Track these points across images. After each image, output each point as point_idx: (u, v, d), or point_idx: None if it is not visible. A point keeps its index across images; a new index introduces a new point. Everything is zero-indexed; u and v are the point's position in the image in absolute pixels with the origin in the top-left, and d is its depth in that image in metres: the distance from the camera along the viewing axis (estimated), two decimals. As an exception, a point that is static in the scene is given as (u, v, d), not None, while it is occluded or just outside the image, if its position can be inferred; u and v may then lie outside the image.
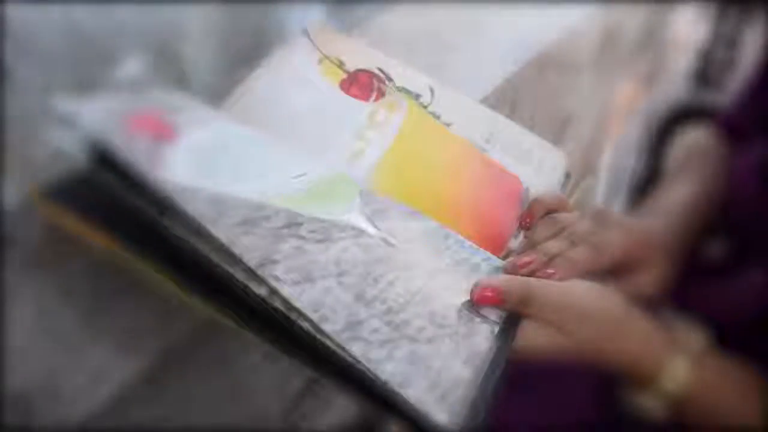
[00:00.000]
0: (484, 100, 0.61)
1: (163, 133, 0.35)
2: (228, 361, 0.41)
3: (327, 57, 0.48)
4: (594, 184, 1.18)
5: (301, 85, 0.46)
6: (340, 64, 0.48)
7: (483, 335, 0.36)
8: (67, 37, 0.40)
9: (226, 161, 0.36)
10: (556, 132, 0.91)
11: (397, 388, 0.31)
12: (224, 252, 0.31)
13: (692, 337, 0.43)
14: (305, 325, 0.32)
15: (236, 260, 0.31)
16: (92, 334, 0.33)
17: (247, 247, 0.32)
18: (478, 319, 0.37)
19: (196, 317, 0.35)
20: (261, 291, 0.32)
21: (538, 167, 0.48)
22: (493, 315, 0.37)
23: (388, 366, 0.32)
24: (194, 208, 0.32)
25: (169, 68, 0.47)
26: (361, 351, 0.32)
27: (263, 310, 0.32)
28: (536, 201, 0.45)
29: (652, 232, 0.50)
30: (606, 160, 1.28)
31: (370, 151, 0.44)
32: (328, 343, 0.31)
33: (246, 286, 0.32)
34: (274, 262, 0.32)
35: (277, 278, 0.32)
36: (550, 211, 0.45)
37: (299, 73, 0.46)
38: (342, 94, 0.46)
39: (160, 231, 0.32)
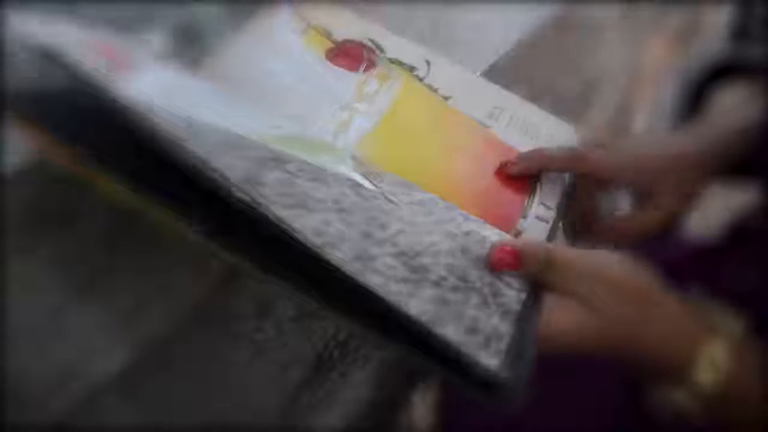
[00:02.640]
0: (492, 69, 0.56)
1: (122, 64, 0.31)
2: (215, 357, 0.38)
3: (312, 26, 0.44)
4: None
5: (280, 53, 0.42)
6: (327, 34, 0.44)
7: (510, 298, 0.33)
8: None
9: (190, 101, 0.33)
10: (579, 99, 0.85)
11: (431, 327, 0.28)
12: (203, 167, 0.27)
13: (729, 321, 0.38)
14: (306, 243, 0.27)
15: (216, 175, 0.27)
16: (61, 330, 0.30)
17: (228, 166, 0.28)
18: (501, 284, 0.33)
19: (176, 310, 0.32)
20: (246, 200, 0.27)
21: (546, 142, 0.44)
22: (516, 282, 0.34)
23: (414, 302, 0.28)
24: (170, 127, 0.28)
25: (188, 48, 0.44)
26: (377, 281, 0.28)
27: (251, 222, 0.28)
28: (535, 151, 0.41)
29: (671, 145, 0.46)
30: (639, 125, 1.22)
31: (358, 122, 0.40)
32: (338, 266, 0.28)
33: (230, 191, 0.27)
34: (261, 183, 0.29)
35: (266, 197, 0.28)
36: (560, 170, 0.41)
37: (279, 41, 0.42)
38: (327, 63, 0.42)
39: (133, 141, 0.28)
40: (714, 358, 0.36)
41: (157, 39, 0.37)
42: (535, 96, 0.52)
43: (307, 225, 0.28)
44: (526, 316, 0.32)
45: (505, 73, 0.60)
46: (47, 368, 0.29)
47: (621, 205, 0.51)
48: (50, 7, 0.35)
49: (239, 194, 0.27)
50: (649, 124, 1.20)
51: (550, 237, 0.39)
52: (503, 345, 0.29)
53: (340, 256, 0.28)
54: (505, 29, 0.63)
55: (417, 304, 0.28)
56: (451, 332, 0.28)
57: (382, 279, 0.28)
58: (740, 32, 1.47)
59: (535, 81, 0.69)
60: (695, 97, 1.02)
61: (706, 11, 1.47)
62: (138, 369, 0.32)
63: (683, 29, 1.35)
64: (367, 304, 0.28)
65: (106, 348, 0.31)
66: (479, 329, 0.29)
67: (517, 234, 0.39)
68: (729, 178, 0.48)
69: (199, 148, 0.27)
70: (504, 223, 0.39)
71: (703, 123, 0.52)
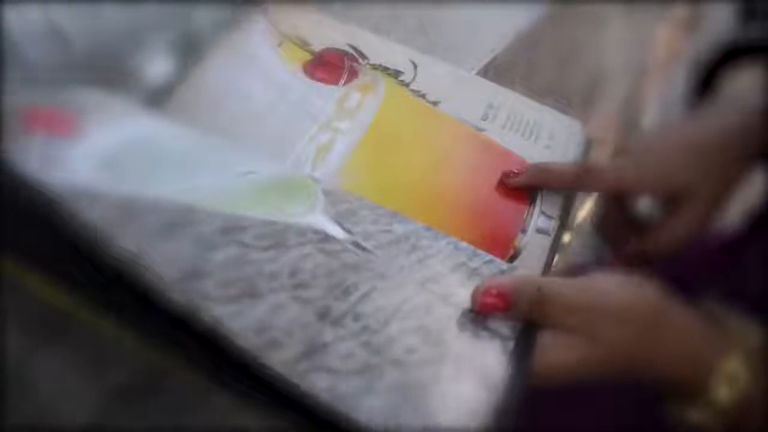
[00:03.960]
0: (488, 67, 0.53)
1: (63, 132, 0.29)
2: (192, 405, 0.35)
3: (288, 37, 0.41)
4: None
5: (256, 72, 0.39)
6: (304, 44, 0.41)
7: (494, 354, 0.29)
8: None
9: (147, 161, 0.30)
10: (584, 93, 0.82)
11: (379, 429, 0.24)
12: (132, 263, 0.24)
13: (747, 330, 0.35)
14: (243, 349, 0.24)
15: (147, 272, 0.24)
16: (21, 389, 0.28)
17: (164, 258, 0.25)
18: (485, 334, 0.30)
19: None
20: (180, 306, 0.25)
21: (549, 142, 0.41)
22: (504, 327, 0.30)
23: (368, 400, 0.25)
24: (96, 215, 0.25)
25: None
26: (327, 384, 0.24)
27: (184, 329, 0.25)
28: (541, 169, 0.38)
29: (692, 135, 0.42)
30: (650, 117, 1.18)
31: (340, 145, 0.37)
32: (277, 375, 0.24)
33: (161, 294, 0.24)
34: (202, 275, 0.25)
35: (205, 295, 0.25)
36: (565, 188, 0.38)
37: (255, 58, 0.40)
38: (306, 79, 0.39)
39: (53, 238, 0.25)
40: (731, 373, 0.33)
41: (153, 61, 0.36)
42: (538, 93, 0.49)
43: (250, 319, 0.25)
44: (510, 381, 0.28)
45: (503, 71, 0.57)
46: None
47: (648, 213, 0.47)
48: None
49: (172, 296, 0.24)
50: (659, 115, 1.16)
51: (552, 251, 0.36)
52: (473, 427, 0.26)
53: (283, 356, 0.24)
54: (499, 26, 0.60)
55: (370, 403, 0.24)
56: (408, 424, 0.24)
57: (331, 378, 0.25)
58: (747, 13, 1.43)
59: (536, 78, 0.66)
60: (706, 82, 0.98)
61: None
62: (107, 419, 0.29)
63: (688, 17, 1.31)
64: (306, 417, 0.24)
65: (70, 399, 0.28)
66: (444, 415, 0.26)
67: (516, 253, 0.35)
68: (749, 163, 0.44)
69: (136, 236, 0.25)
70: (502, 240, 0.35)
71: (718, 105, 0.48)
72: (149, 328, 0.24)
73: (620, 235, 0.43)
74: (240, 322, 0.24)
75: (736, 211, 0.52)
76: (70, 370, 0.28)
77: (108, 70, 0.37)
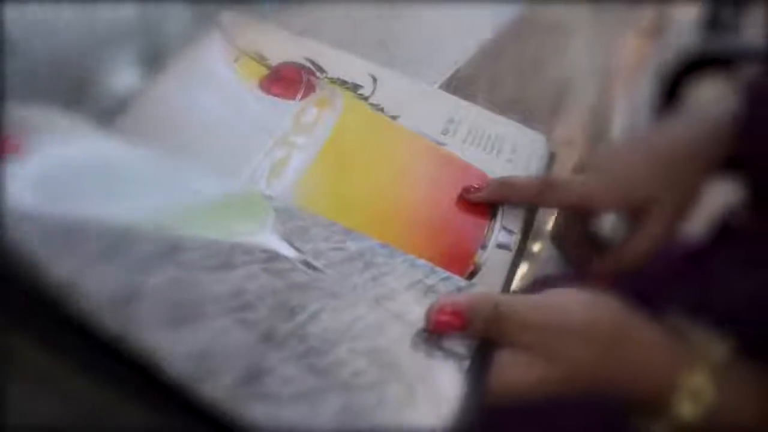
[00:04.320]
0: (451, 80, 0.53)
1: (12, 148, 0.27)
2: None
3: (245, 52, 0.40)
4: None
5: (211, 88, 0.38)
6: (261, 59, 0.40)
7: (448, 374, 0.28)
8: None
9: (91, 181, 0.29)
10: (550, 102, 0.82)
11: None
12: (64, 287, 0.23)
13: (712, 344, 0.34)
14: (175, 377, 0.23)
15: (78, 297, 0.23)
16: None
17: (99, 282, 0.24)
18: (439, 354, 0.29)
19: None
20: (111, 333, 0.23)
21: (511, 155, 0.40)
22: (459, 346, 0.29)
23: (312, 428, 0.24)
24: (33, 237, 0.24)
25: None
26: (266, 412, 0.23)
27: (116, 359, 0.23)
28: (502, 184, 0.37)
29: (657, 144, 0.42)
30: (618, 123, 1.19)
31: (296, 160, 0.36)
32: (211, 405, 0.23)
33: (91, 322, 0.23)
34: (136, 299, 0.24)
35: (140, 321, 0.24)
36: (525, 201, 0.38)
37: (210, 74, 0.39)
38: (262, 94, 0.38)
39: None
40: (696, 388, 0.32)
41: (118, 73, 0.35)
42: (502, 105, 0.48)
43: (188, 345, 0.24)
44: (464, 403, 0.27)
45: (465, 84, 0.57)
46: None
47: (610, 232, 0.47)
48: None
49: (101, 324, 0.23)
50: (626, 122, 1.17)
51: (513, 267, 0.36)
52: None
53: (219, 384, 0.23)
54: (461, 39, 0.60)
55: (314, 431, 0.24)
56: None
57: (270, 405, 0.23)
58: (711, 22, 1.45)
59: (499, 90, 0.65)
60: (671, 91, 0.99)
61: (675, 5, 1.45)
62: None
63: (653, 25, 1.33)
64: None
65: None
66: None
67: (476, 269, 0.35)
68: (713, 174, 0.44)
69: (71, 259, 0.24)
70: (461, 257, 0.35)
71: (682, 115, 0.48)
72: (80, 356, 0.23)
73: (580, 253, 0.43)
74: (177, 348, 0.23)
75: (699, 220, 0.52)
76: None
77: (70, 82, 0.36)
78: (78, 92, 0.36)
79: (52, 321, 0.23)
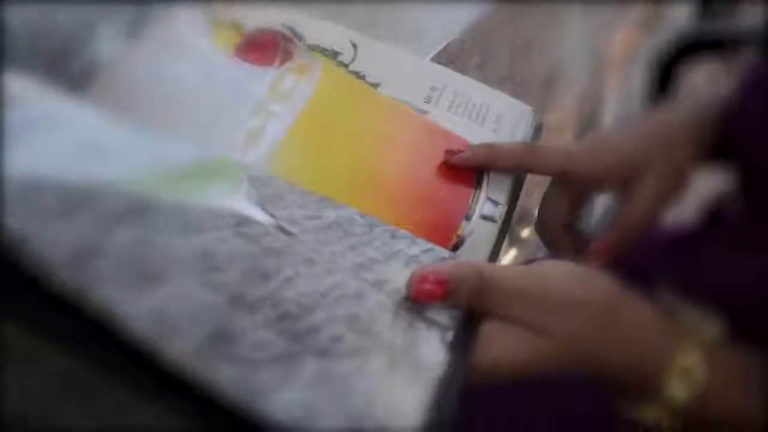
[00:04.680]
0: (439, 56, 0.51)
1: None
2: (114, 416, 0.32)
3: (220, 20, 0.38)
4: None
5: (184, 56, 0.36)
6: (237, 26, 0.38)
7: (431, 345, 0.27)
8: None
9: (55, 142, 0.27)
10: (540, 87, 0.81)
11: (296, 425, 0.21)
12: (18, 242, 0.22)
13: (704, 324, 0.33)
14: (136, 335, 0.21)
15: (34, 252, 0.21)
16: None
17: (57, 237, 0.22)
18: (422, 324, 0.27)
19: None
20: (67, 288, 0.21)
21: (496, 125, 0.39)
22: (443, 316, 0.28)
23: (285, 393, 0.22)
24: None
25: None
26: (235, 374, 0.21)
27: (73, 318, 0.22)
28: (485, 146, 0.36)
29: (654, 117, 0.41)
30: (610, 109, 1.18)
31: (272, 128, 0.34)
32: (175, 365, 0.21)
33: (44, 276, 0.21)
34: (95, 255, 0.22)
35: (99, 277, 0.22)
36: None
37: (184, 41, 0.37)
38: (237, 61, 0.37)
39: None
40: (687, 368, 0.31)
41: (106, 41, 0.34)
42: (491, 83, 0.47)
43: (149, 304, 0.22)
44: (448, 375, 0.26)
45: (456, 59, 0.56)
46: None
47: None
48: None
49: (59, 277, 0.21)
50: (618, 109, 1.16)
51: (498, 241, 0.34)
52: (402, 428, 0.23)
53: (183, 345, 0.21)
54: (453, 15, 0.58)
55: (287, 397, 0.22)
56: (328, 426, 0.22)
57: (240, 368, 0.22)
58: (705, 14, 1.44)
59: (491, 67, 0.64)
60: (665, 75, 0.98)
61: (668, 4, 1.43)
62: None
63: (647, 16, 1.32)
64: (210, 412, 0.21)
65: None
66: (369, 414, 0.23)
67: (459, 241, 0.33)
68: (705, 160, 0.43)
69: (26, 214, 0.22)
70: (444, 228, 0.33)
71: (674, 101, 0.47)
72: (33, 312, 0.21)
73: (561, 242, 0.41)
74: (137, 306, 0.21)
75: (689, 208, 0.51)
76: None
77: (51, 47, 0.34)
78: (59, 57, 0.34)
79: (7, 277, 0.21)
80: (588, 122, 1.04)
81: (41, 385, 0.24)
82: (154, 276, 0.23)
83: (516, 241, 0.74)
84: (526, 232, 0.77)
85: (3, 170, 0.23)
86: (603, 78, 1.11)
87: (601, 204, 0.63)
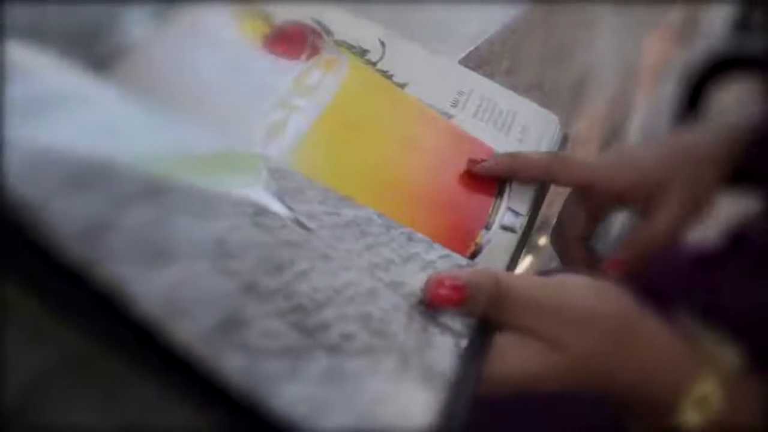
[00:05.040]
0: (467, 59, 0.51)
1: None
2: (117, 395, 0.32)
3: (250, 10, 0.38)
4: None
5: (211, 44, 0.36)
6: (266, 17, 0.38)
7: (443, 351, 0.26)
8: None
9: (69, 119, 0.27)
10: (569, 92, 0.79)
11: (301, 422, 0.21)
12: (29, 211, 0.21)
13: (722, 351, 0.32)
14: (145, 314, 0.21)
15: (45, 222, 0.21)
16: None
17: (69, 209, 0.21)
18: (435, 329, 0.27)
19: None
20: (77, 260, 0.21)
21: (522, 135, 0.38)
22: (457, 323, 0.27)
23: (292, 386, 0.21)
24: (3, 160, 0.22)
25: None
26: (242, 363, 0.21)
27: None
28: (509, 156, 0.35)
29: (680, 138, 0.40)
30: (638, 119, 1.16)
31: (295, 123, 0.34)
32: (182, 347, 0.21)
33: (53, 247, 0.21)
34: (109, 231, 0.22)
35: (110, 252, 0.21)
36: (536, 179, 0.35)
37: (211, 29, 0.37)
38: (264, 52, 0.36)
39: None
40: (704, 395, 0.30)
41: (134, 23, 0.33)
42: (519, 89, 0.46)
43: (160, 283, 0.21)
44: (459, 381, 0.25)
45: (484, 63, 0.55)
46: None
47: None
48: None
49: (70, 249, 0.21)
50: (646, 119, 1.14)
51: (518, 251, 0.34)
52: (420, 419, 0.23)
53: (192, 327, 0.21)
54: (483, 18, 0.58)
55: (293, 390, 0.21)
56: (335, 424, 0.21)
57: (248, 357, 0.21)
58: (741, 24, 1.41)
59: (519, 73, 0.63)
60: (696, 92, 0.96)
61: (706, 5, 1.41)
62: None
63: (683, 24, 1.30)
64: (214, 399, 0.21)
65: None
66: (378, 416, 0.23)
67: (477, 250, 0.33)
68: (730, 183, 0.42)
69: (39, 184, 0.21)
70: (462, 235, 0.33)
71: (709, 120, 0.46)
72: (41, 282, 0.21)
73: (575, 257, 0.40)
74: (147, 285, 0.21)
75: (711, 230, 0.50)
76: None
77: (79, 24, 0.34)
78: (86, 37, 0.34)
79: (19, 247, 0.21)
80: (614, 132, 1.03)
81: (42, 357, 0.23)
82: (166, 256, 0.22)
83: (532, 249, 0.73)
84: (542, 240, 0.77)
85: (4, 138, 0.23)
86: (632, 87, 1.09)
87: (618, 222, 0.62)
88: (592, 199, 0.39)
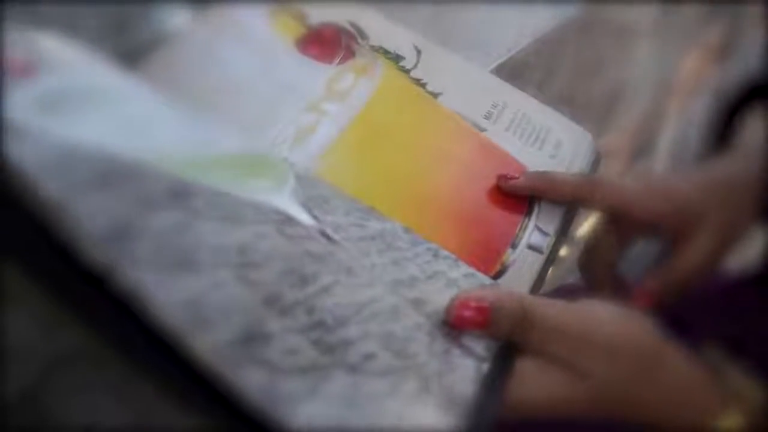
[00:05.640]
0: (500, 68, 0.50)
1: (16, 67, 0.25)
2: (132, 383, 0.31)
3: (285, 9, 0.37)
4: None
5: (243, 42, 0.36)
6: (301, 17, 0.37)
7: (465, 374, 0.26)
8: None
9: (98, 111, 0.26)
10: (603, 106, 0.78)
11: None
12: (54, 213, 0.21)
13: (748, 387, 0.31)
14: (164, 323, 0.20)
15: (68, 224, 0.21)
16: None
17: (93, 210, 0.21)
18: (457, 351, 0.26)
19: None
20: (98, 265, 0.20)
21: (555, 151, 0.37)
22: (479, 346, 0.27)
23: (310, 405, 0.21)
24: (28, 157, 0.21)
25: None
26: (262, 379, 0.21)
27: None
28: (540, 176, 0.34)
29: (714, 167, 0.39)
30: (666, 140, 1.14)
31: (324, 128, 0.33)
32: (201, 361, 0.20)
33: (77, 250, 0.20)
34: (132, 235, 0.21)
35: (132, 258, 0.21)
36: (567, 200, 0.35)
37: (244, 27, 0.36)
38: (297, 54, 0.36)
39: None
40: (728, 427, 0.30)
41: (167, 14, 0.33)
42: (550, 102, 0.45)
43: (181, 292, 0.21)
44: (480, 407, 0.25)
45: (518, 73, 0.54)
46: None
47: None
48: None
49: (91, 252, 0.20)
50: (677, 139, 1.12)
51: (543, 272, 0.33)
52: None
53: (212, 339, 0.20)
54: (520, 27, 0.57)
55: (311, 409, 0.21)
56: None
57: (268, 373, 0.21)
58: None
59: (553, 84, 0.62)
60: (729, 115, 0.94)
61: (746, 25, 1.38)
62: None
63: (721, 43, 1.27)
64: (230, 415, 0.20)
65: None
66: None
67: (503, 269, 0.32)
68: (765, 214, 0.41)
69: (64, 182, 0.21)
70: (488, 254, 0.32)
71: (742, 147, 0.45)
72: (60, 285, 0.21)
73: (602, 282, 0.39)
74: (168, 293, 0.21)
75: (741, 260, 0.49)
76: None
77: (111, 15, 0.34)
78: (118, 29, 0.34)
79: (40, 247, 0.21)
80: (643, 148, 1.01)
81: (51, 353, 0.23)
82: (189, 263, 0.22)
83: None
84: (563, 251, 0.76)
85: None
86: (665, 105, 1.07)
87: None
88: (623, 225, 0.38)
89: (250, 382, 0.20)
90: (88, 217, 0.21)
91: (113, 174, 0.23)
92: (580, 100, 0.70)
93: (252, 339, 0.21)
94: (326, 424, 0.21)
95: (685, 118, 1.17)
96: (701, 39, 1.16)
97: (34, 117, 0.24)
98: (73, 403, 0.24)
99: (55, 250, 0.20)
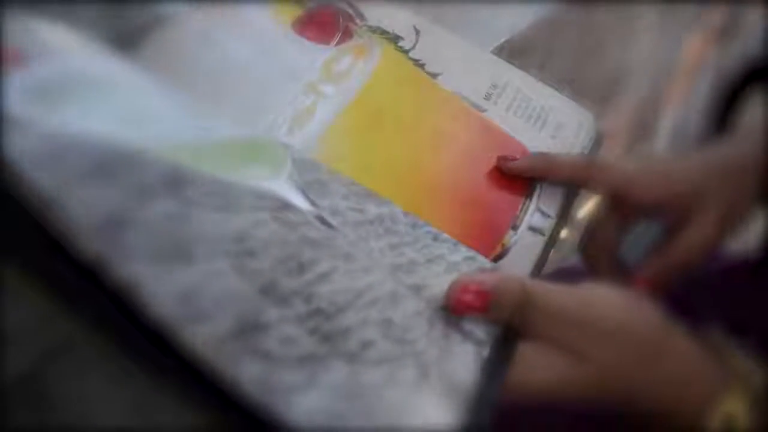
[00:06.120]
0: (501, 49, 0.49)
1: (9, 57, 0.25)
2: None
3: (281, -11, 0.37)
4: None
5: (240, 25, 0.35)
6: (300, 0, 0.37)
7: (465, 360, 0.26)
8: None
9: (93, 100, 0.26)
10: (603, 87, 0.78)
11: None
12: (48, 205, 0.21)
13: (752, 369, 0.31)
14: (159, 316, 0.20)
15: (61, 213, 0.21)
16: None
17: (86, 201, 0.21)
18: (457, 336, 0.26)
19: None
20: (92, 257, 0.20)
21: (556, 132, 0.37)
22: (479, 330, 0.27)
23: (308, 397, 0.21)
24: (20, 147, 0.21)
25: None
26: (258, 370, 0.21)
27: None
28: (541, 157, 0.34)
29: (716, 147, 0.39)
30: (667, 122, 1.14)
31: (322, 110, 0.33)
32: (197, 353, 0.20)
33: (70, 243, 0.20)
34: (126, 226, 0.21)
35: (126, 249, 0.21)
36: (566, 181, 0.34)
37: (241, 10, 0.36)
38: (294, 36, 0.35)
39: None
40: (731, 413, 0.30)
41: None
42: (551, 82, 0.45)
43: (177, 284, 0.21)
44: (481, 393, 0.25)
45: (518, 54, 0.53)
46: None
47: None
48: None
49: (85, 244, 0.20)
50: (677, 120, 1.12)
51: (545, 254, 0.32)
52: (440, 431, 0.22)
53: (207, 331, 0.20)
54: (519, 8, 0.56)
55: (309, 400, 0.21)
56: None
57: (264, 364, 0.21)
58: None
59: (553, 65, 0.62)
60: (730, 97, 0.94)
61: (749, 10, 1.37)
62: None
63: (723, 25, 1.26)
64: (227, 407, 0.20)
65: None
66: (401, 421, 0.22)
67: (504, 251, 0.32)
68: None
69: (57, 173, 0.21)
70: (489, 236, 0.32)
71: (743, 129, 0.44)
72: (54, 277, 0.21)
73: (604, 266, 0.39)
74: (164, 285, 0.20)
75: (744, 242, 0.48)
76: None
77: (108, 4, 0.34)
78: (114, 15, 0.33)
79: (35, 238, 0.21)
80: (643, 129, 1.01)
81: (45, 344, 0.23)
82: (182, 254, 0.22)
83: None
84: (563, 233, 0.75)
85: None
86: (666, 88, 1.07)
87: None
88: (624, 207, 0.37)
89: (247, 373, 0.20)
90: (83, 207, 0.21)
91: (108, 163, 0.22)
92: (580, 83, 0.70)
93: (248, 329, 0.21)
94: (324, 417, 0.21)
95: (686, 100, 1.16)
96: (702, 22, 1.15)
97: (28, 107, 0.23)
98: (71, 388, 0.24)
99: (50, 241, 0.20)
